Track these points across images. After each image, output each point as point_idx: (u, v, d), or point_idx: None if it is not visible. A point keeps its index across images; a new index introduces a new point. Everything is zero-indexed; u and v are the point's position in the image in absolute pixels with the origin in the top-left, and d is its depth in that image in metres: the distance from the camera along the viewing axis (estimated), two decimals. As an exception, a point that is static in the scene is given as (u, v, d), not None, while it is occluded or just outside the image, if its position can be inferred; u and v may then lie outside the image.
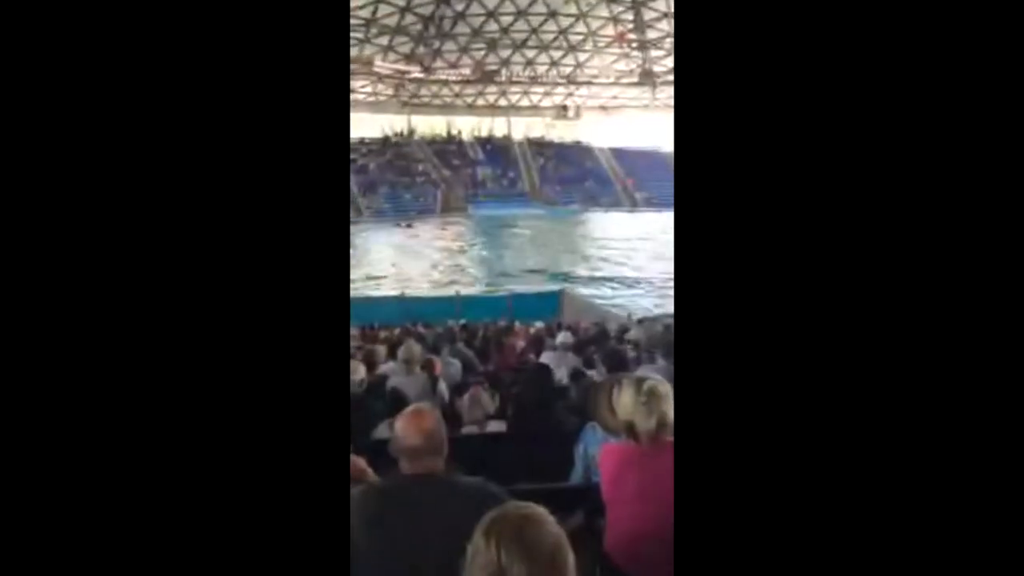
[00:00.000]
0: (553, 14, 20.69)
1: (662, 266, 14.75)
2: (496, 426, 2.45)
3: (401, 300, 9.57)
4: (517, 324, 6.64)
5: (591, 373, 2.74)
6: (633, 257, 15.95)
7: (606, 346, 3.88)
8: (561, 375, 3.11)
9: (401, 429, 1.17)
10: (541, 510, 0.78)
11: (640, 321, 7.15)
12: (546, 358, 3.52)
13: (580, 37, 21.28)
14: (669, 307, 10.78)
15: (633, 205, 26.36)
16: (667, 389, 1.39)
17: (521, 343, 4.84)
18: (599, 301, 10.93)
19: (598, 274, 14.12)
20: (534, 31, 23.67)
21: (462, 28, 24.15)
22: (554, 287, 10.92)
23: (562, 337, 3.94)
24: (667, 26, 18.97)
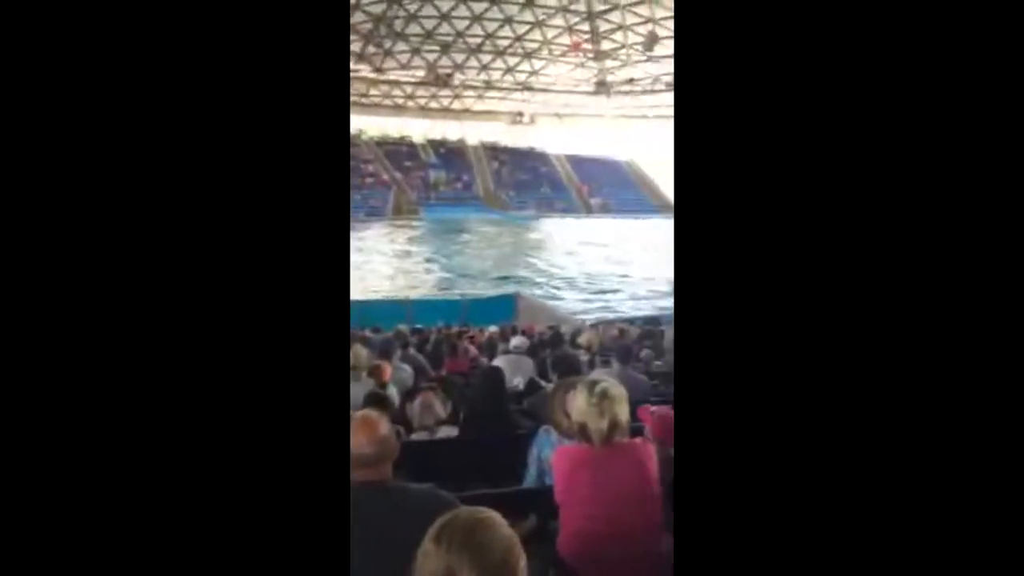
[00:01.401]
0: (508, 20, 20.88)
1: (617, 270, 15.13)
2: (448, 431, 2.41)
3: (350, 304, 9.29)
4: (471, 328, 6.59)
5: (546, 384, 2.74)
6: (588, 262, 16.26)
7: (558, 350, 3.91)
8: (515, 379, 3.10)
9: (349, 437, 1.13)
10: (492, 514, 0.77)
11: (594, 325, 7.28)
12: (499, 362, 3.51)
13: (536, 45, 21.57)
14: (624, 311, 11.07)
15: (588, 211, 26.90)
16: (619, 391, 1.40)
17: (474, 347, 4.80)
18: (554, 305, 11.05)
19: (554, 278, 14.29)
20: (489, 36, 23.79)
21: (414, 29, 23.92)
22: (509, 291, 10.95)
23: (516, 341, 3.94)
24: (621, 38, 19.54)
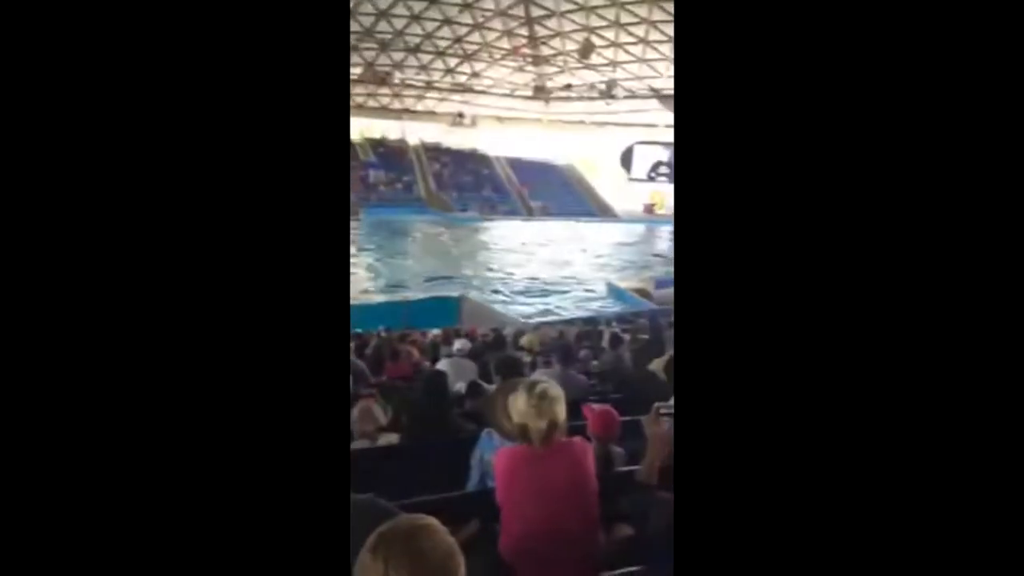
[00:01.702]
0: (448, 21, 20.76)
1: (559, 272, 15.39)
2: (389, 439, 2.37)
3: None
4: (413, 332, 6.50)
5: (488, 387, 2.76)
6: (530, 264, 16.44)
7: (501, 353, 3.94)
8: (458, 383, 3.09)
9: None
10: (430, 521, 0.77)
11: (536, 327, 7.38)
12: (443, 365, 3.49)
13: (475, 47, 21.58)
14: (565, 312, 11.29)
15: (529, 214, 27.20)
16: (557, 392, 1.45)
17: (416, 352, 4.74)
18: (497, 307, 11.09)
19: (497, 281, 14.34)
20: (427, 36, 23.53)
21: (352, 26, 23.27)
22: (453, 294, 10.88)
23: (459, 344, 3.93)
24: (559, 45, 19.95)
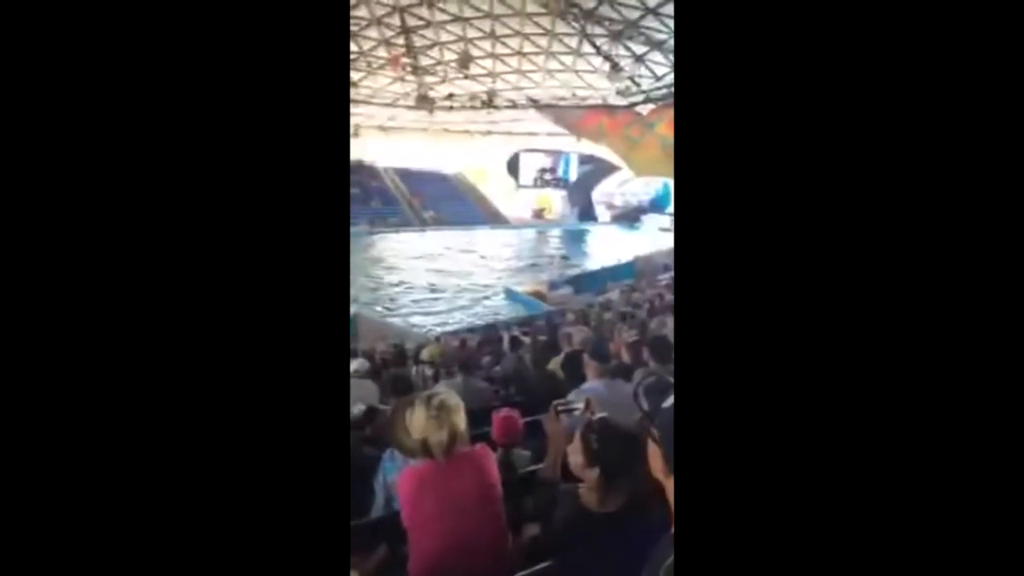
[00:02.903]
0: (320, 29, 19.91)
1: (455, 281, 15.35)
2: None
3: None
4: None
5: (384, 407, 2.67)
6: (426, 275, 16.22)
7: (393, 371, 3.84)
8: (356, 406, 2.95)
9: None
10: None
11: (437, 338, 7.30)
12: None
13: (353, 56, 20.89)
14: (465, 320, 11.28)
15: (422, 224, 26.85)
16: (456, 401, 1.44)
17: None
18: (395, 321, 10.79)
19: (394, 295, 13.95)
20: (300, 44, 22.27)
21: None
22: (348, 311, 10.37)
23: (355, 364, 3.76)
24: (437, 55, 19.99)
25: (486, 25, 18.26)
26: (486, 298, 13.68)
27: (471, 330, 8.86)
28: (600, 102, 20.30)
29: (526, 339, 5.42)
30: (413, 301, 13.37)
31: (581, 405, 1.65)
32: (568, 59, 19.44)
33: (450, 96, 22.10)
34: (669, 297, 7.72)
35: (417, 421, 1.39)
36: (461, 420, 1.41)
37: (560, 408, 1.67)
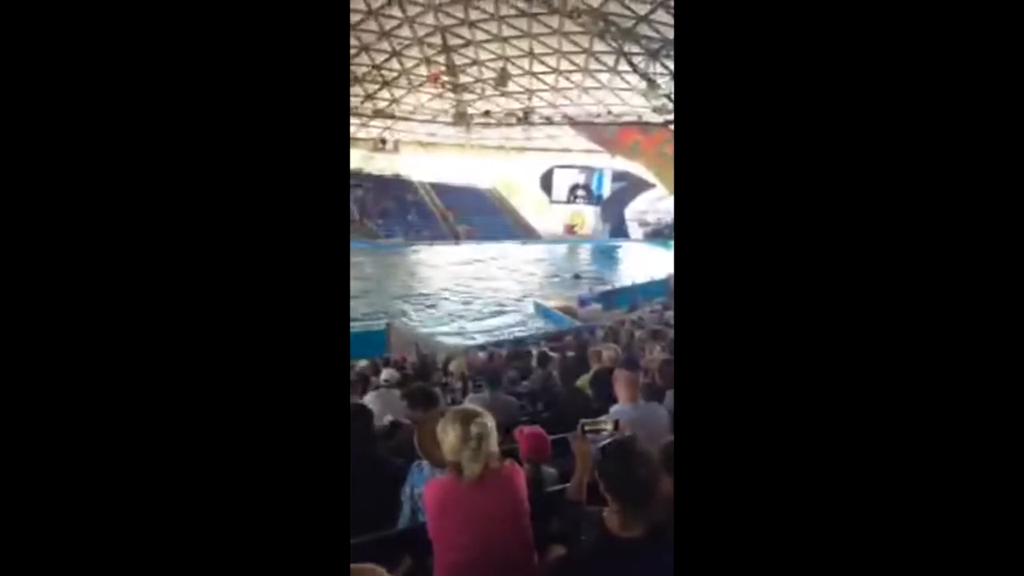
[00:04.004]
0: (365, 48, 20.65)
1: (487, 295, 15.43)
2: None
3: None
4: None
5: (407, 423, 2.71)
6: (459, 288, 16.37)
7: (410, 386, 3.88)
8: (385, 416, 3.00)
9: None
10: (365, 567, 0.76)
11: (466, 351, 7.33)
12: (369, 399, 3.37)
13: (395, 74, 21.58)
14: (495, 334, 11.31)
15: (455, 238, 27.21)
16: (491, 426, 1.43)
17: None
18: (426, 333, 10.91)
19: (426, 307, 14.12)
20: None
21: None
22: (380, 322, 10.57)
23: (386, 374, 3.83)
24: (476, 72, 20.45)
25: (524, 44, 18.57)
26: (516, 312, 13.68)
27: (499, 344, 8.86)
28: (635, 119, 20.25)
29: (555, 355, 5.39)
30: (445, 313, 13.50)
31: (610, 427, 1.63)
32: (604, 77, 19.54)
33: (487, 113, 22.47)
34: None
35: (451, 442, 1.40)
36: (495, 445, 1.41)
37: (588, 428, 1.66)
